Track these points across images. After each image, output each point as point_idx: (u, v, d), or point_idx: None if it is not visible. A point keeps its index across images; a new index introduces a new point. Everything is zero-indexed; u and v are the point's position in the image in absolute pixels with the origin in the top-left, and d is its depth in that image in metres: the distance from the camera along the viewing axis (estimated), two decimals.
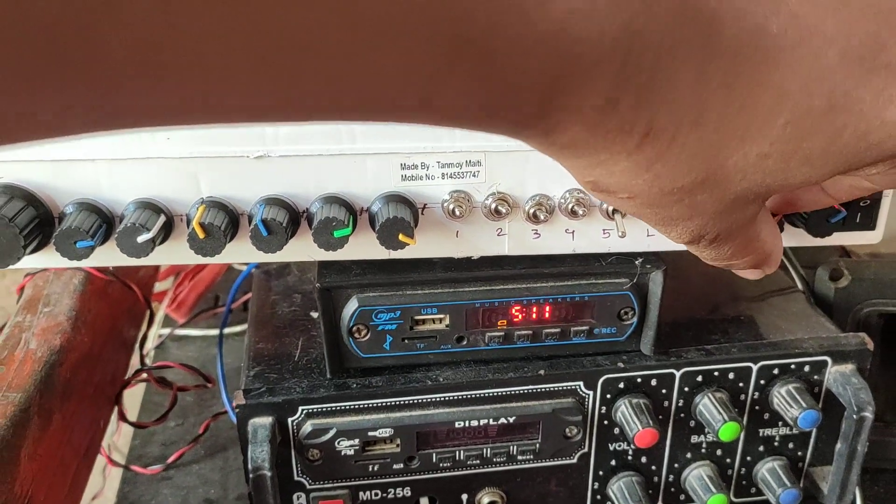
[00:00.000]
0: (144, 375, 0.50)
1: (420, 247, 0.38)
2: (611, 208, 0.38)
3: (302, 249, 0.37)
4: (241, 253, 0.37)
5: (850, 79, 0.22)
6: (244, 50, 0.15)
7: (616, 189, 0.23)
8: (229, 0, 0.14)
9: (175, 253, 0.37)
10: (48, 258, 0.36)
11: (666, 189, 0.23)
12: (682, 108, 0.21)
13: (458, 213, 0.37)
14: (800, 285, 0.50)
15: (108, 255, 0.36)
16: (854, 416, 0.42)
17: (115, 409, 0.49)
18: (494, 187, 0.37)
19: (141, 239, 0.34)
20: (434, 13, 0.16)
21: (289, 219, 0.36)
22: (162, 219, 0.35)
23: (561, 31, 0.18)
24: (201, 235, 0.35)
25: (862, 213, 0.40)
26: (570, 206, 0.37)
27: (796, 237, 0.40)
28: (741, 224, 0.26)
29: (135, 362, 0.57)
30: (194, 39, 0.14)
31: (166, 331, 0.68)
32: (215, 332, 0.63)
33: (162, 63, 0.14)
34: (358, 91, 0.17)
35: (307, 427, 0.41)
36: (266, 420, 0.40)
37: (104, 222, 0.36)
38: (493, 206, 0.37)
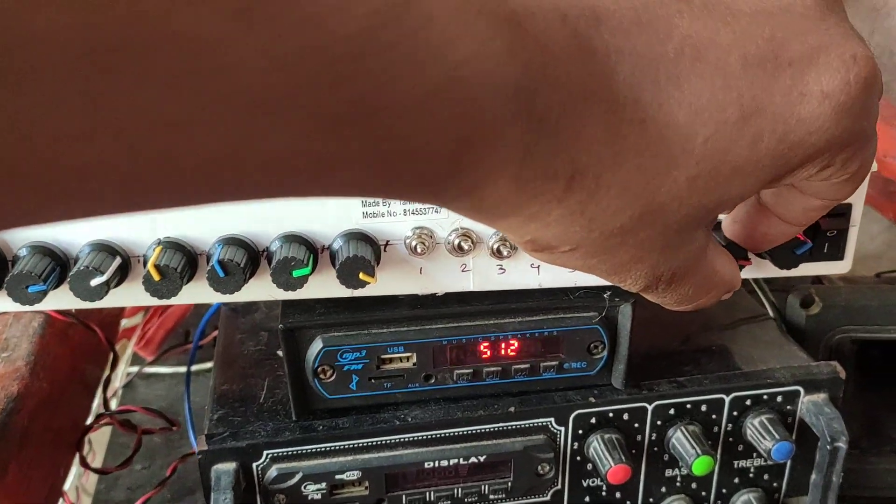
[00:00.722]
0: (107, 420, 0.49)
1: (383, 284, 0.37)
2: None
3: (263, 289, 0.37)
4: (199, 294, 0.36)
5: (756, 83, 0.22)
6: (105, 144, 0.13)
7: (556, 243, 0.23)
8: (81, 92, 0.12)
9: (131, 295, 0.36)
10: (1, 303, 0.35)
11: (606, 231, 0.22)
12: (600, 146, 0.21)
13: (420, 249, 0.36)
14: (771, 312, 0.50)
15: (63, 299, 0.35)
16: (828, 447, 0.42)
17: (77, 454, 0.48)
18: (457, 223, 0.37)
19: (94, 282, 0.33)
20: (313, 78, 0.15)
21: (247, 259, 0.35)
22: (117, 261, 0.34)
23: (456, 80, 0.17)
24: (156, 278, 0.34)
25: (829, 243, 0.40)
26: None
27: (764, 269, 0.40)
28: (693, 256, 0.25)
29: (102, 403, 0.56)
30: (46, 139, 0.13)
31: (135, 368, 0.67)
32: (184, 368, 0.62)
33: (8, 168, 0.13)
34: (241, 174, 0.16)
35: (272, 472, 0.40)
36: (229, 466, 0.39)
37: (58, 265, 0.35)
38: (457, 241, 0.37)
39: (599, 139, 0.20)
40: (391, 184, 0.19)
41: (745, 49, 0.22)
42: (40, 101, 0.12)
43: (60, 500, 0.48)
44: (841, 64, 0.22)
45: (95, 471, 0.49)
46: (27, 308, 0.34)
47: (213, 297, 0.36)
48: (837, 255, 0.40)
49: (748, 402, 0.43)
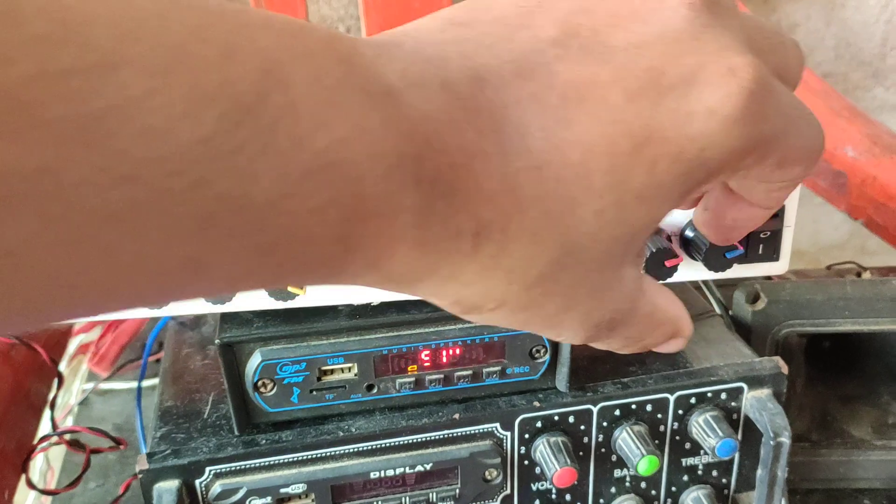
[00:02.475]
0: (54, 440, 0.48)
1: (314, 295, 0.37)
2: None
3: (197, 301, 0.36)
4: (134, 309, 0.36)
5: (642, 112, 0.22)
6: None
7: (480, 301, 0.23)
8: None
9: None
10: None
11: (526, 281, 0.22)
12: (500, 198, 0.21)
13: None
14: (718, 309, 0.50)
15: None
16: (771, 442, 0.42)
17: (24, 476, 0.47)
18: None
19: None
20: (163, 186, 0.15)
21: None
22: None
23: (329, 164, 0.17)
24: None
25: (763, 244, 0.40)
26: None
27: (697, 271, 0.40)
28: (628, 297, 0.25)
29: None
30: None
31: (91, 385, 0.66)
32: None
33: None
34: (101, 287, 0.16)
35: (216, 488, 0.40)
36: (172, 484, 0.39)
37: None
38: None
39: (498, 192, 0.21)
40: (282, 273, 0.18)
41: (625, 82, 0.22)
42: None
43: None
44: (719, 78, 0.22)
45: (42, 492, 0.48)
46: None
47: (146, 312, 0.35)
48: (773, 255, 0.40)
49: (693, 401, 0.43)
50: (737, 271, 0.40)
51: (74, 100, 0.14)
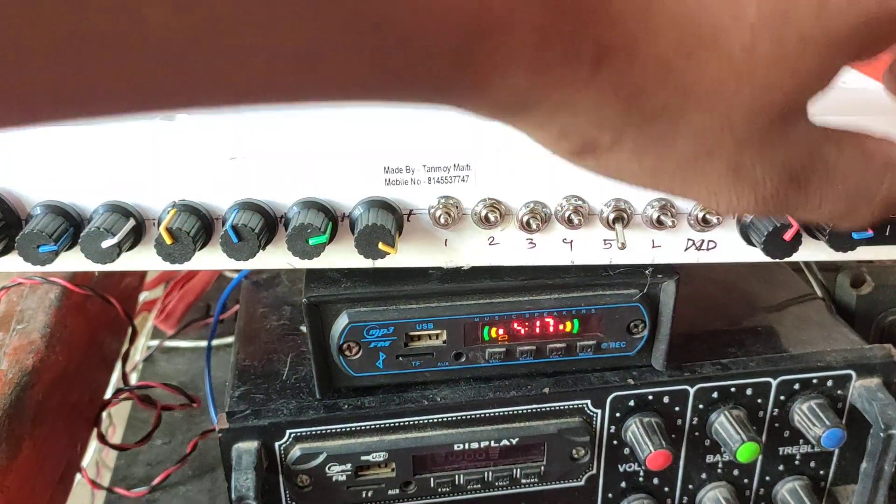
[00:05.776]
0: (126, 395, 0.47)
1: (405, 256, 0.35)
2: (611, 216, 0.34)
3: (280, 256, 0.35)
4: (213, 260, 0.34)
5: None
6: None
7: (594, 132, 0.19)
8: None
9: (144, 259, 0.34)
10: (13, 263, 0.34)
11: (648, 110, 0.19)
12: (628, 19, 0.18)
13: (444, 220, 0.34)
14: (819, 292, 0.47)
15: (75, 261, 0.33)
16: (881, 434, 0.39)
17: (95, 430, 0.46)
18: (485, 193, 0.34)
19: (105, 244, 0.32)
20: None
21: (263, 224, 0.33)
22: (130, 223, 0.33)
23: None
24: (168, 241, 0.32)
25: (892, 226, 0.36)
26: (566, 215, 0.34)
27: (817, 251, 0.37)
28: (798, 145, 0.20)
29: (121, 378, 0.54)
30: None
31: (155, 342, 0.66)
32: (206, 343, 0.61)
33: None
34: (255, 77, 0.16)
35: (295, 452, 0.38)
36: (251, 445, 0.38)
37: (71, 226, 0.33)
38: (484, 213, 0.34)
39: (628, 12, 0.18)
40: (392, 83, 0.17)
41: None
42: None
43: (78, 475, 0.47)
44: None
45: (114, 447, 0.48)
46: (38, 269, 0.33)
47: (226, 263, 0.34)
48: None
49: (796, 387, 0.41)
50: (859, 254, 0.37)
51: None
